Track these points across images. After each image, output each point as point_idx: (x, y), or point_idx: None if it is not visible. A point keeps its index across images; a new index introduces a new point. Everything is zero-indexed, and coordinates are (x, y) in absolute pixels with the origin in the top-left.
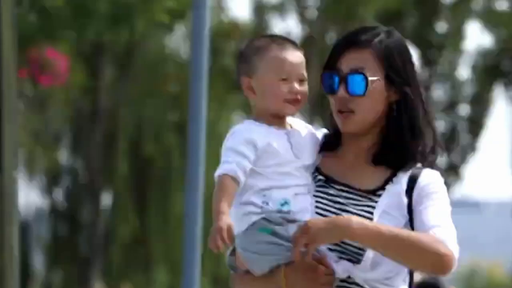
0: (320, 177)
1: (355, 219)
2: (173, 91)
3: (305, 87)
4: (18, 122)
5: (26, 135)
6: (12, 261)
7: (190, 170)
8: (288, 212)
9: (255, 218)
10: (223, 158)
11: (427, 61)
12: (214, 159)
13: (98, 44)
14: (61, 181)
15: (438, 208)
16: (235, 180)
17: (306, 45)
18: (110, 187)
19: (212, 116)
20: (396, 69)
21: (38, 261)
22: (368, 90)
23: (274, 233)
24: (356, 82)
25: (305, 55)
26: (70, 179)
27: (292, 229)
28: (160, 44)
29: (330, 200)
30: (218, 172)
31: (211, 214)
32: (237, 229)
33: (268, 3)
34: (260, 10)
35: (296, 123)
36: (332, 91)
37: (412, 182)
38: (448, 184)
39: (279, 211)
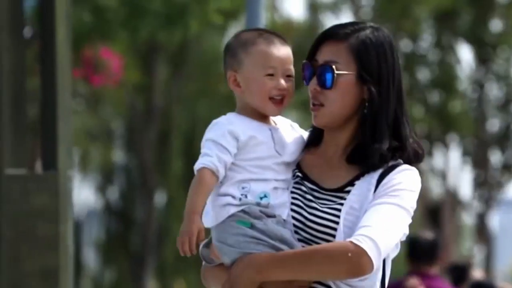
0: (298, 173)
1: (260, 255)
2: (227, 90)
3: (291, 83)
4: (72, 121)
5: (81, 134)
6: (67, 259)
7: None
8: (267, 205)
9: (233, 210)
10: (203, 150)
11: (482, 59)
12: None
13: (152, 43)
14: (115, 179)
15: (383, 207)
16: (214, 174)
17: None
18: (164, 186)
19: None
20: (368, 67)
21: (92, 259)
22: (336, 84)
23: (253, 227)
24: (325, 75)
25: None
26: (124, 178)
27: (271, 223)
28: (213, 43)
29: (302, 196)
30: (198, 164)
31: None
32: (214, 220)
33: (322, 2)
34: (314, 9)
35: (281, 120)
36: (307, 83)
37: (381, 179)
38: (502, 184)
39: (258, 204)
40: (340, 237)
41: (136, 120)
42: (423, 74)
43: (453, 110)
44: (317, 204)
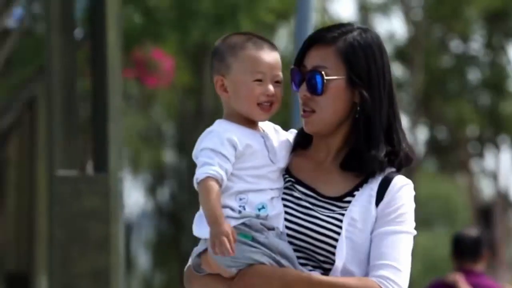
0: (289, 178)
1: (291, 272)
2: None
3: (280, 89)
4: (123, 122)
5: (132, 136)
6: (118, 260)
7: None
8: (265, 218)
9: (233, 223)
10: (203, 158)
11: None
12: None
13: (202, 44)
14: (166, 181)
15: (397, 239)
16: (218, 183)
17: (411, 45)
18: None
19: None
20: (357, 70)
21: (143, 261)
22: (326, 90)
23: (254, 240)
24: (314, 81)
25: (410, 56)
26: (175, 179)
27: (272, 237)
28: None
29: (296, 204)
30: (202, 174)
31: None
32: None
33: (372, 3)
34: (364, 11)
35: (266, 126)
36: (296, 89)
37: (381, 192)
38: None
39: (257, 216)
40: (341, 249)
41: (187, 122)
42: (474, 75)
43: (504, 111)
44: (317, 212)
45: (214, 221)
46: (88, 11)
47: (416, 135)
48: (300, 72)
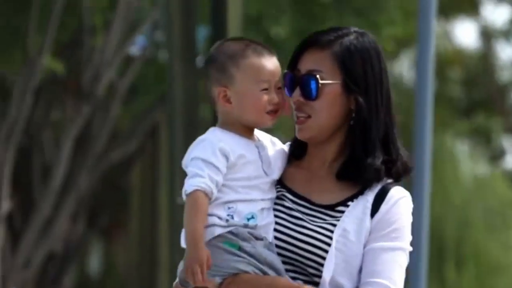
0: (280, 188)
1: (279, 280)
2: (397, 119)
3: (282, 95)
4: None
5: None
6: None
7: (416, 196)
8: (254, 227)
9: (219, 230)
10: (193, 169)
11: None
12: (438, 185)
13: None
14: None
15: (391, 256)
16: (208, 196)
17: None
18: None
19: (436, 143)
20: (353, 75)
21: None
22: (321, 94)
23: (241, 249)
24: (308, 85)
25: None
26: None
27: (259, 247)
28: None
29: (286, 214)
30: (190, 186)
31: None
32: None
33: (494, 29)
34: (486, 36)
35: (262, 135)
36: (289, 94)
37: (377, 203)
38: None
39: (246, 226)
40: (330, 261)
41: None
42: None
43: None
44: (307, 222)
45: (192, 244)
46: (209, 39)
47: None
48: (293, 76)
